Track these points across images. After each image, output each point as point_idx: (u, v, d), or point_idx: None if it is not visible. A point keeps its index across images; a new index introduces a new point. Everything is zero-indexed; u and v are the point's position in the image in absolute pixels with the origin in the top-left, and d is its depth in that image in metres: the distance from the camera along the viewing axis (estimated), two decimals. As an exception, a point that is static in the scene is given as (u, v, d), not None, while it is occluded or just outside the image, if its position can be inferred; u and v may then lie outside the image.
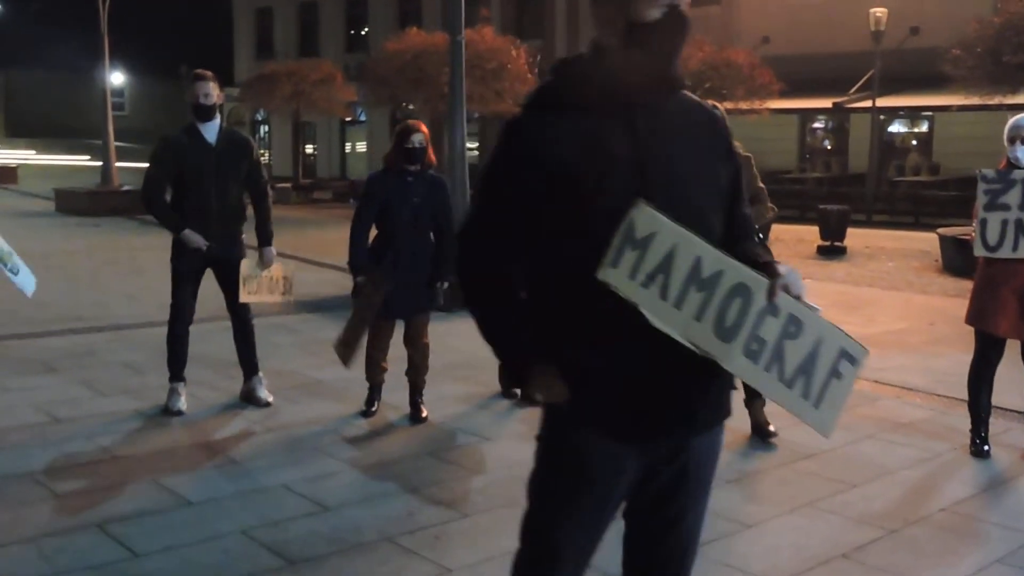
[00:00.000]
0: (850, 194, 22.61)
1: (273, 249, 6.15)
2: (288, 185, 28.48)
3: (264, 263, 6.09)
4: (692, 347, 1.98)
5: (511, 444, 5.60)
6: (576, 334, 2.12)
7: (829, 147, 28.83)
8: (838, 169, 27.36)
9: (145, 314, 9.35)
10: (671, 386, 2.12)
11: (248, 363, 6.27)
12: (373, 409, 6.03)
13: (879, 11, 20.77)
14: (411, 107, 30.10)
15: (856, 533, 4.37)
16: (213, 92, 5.82)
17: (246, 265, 6.05)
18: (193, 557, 4.01)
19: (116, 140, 24.26)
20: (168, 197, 5.93)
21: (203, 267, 6.02)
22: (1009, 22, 13.13)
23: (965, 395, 5.60)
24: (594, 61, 2.16)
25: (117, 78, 40.88)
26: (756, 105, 18.37)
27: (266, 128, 41.42)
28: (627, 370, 2.09)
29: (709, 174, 2.18)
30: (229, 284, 6.09)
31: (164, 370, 7.02)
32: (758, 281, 2.00)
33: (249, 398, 6.23)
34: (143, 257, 14.07)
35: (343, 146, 38.68)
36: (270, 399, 6.19)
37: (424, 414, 5.98)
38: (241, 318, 6.21)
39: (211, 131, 5.84)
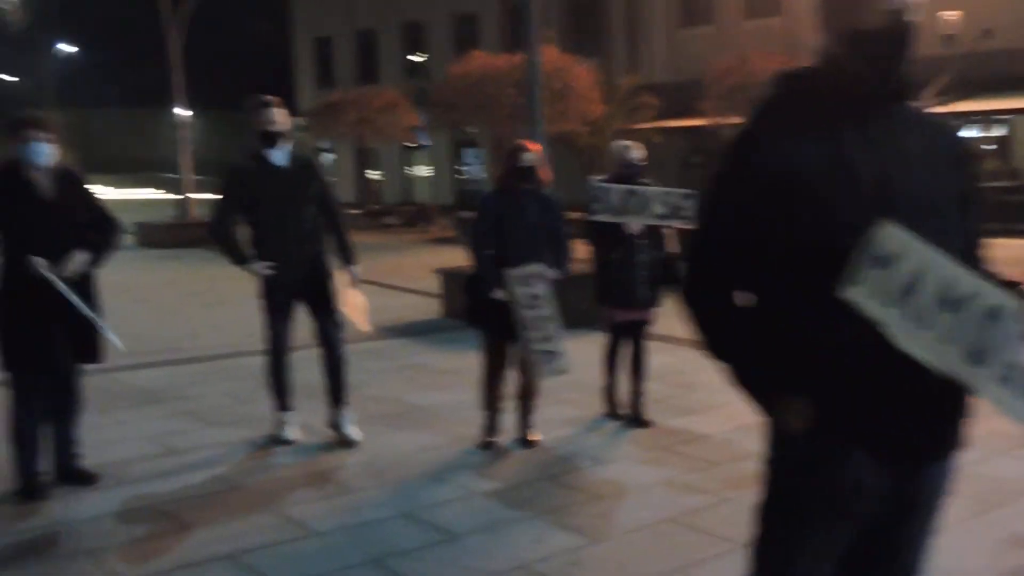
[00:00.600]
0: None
1: (358, 268, 6.03)
2: (358, 211, 28.72)
3: (351, 283, 5.99)
4: (939, 369, 1.89)
5: (626, 467, 5.51)
6: (818, 354, 2.03)
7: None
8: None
9: (234, 344, 9.44)
10: (919, 408, 2.02)
11: (335, 394, 6.04)
12: (496, 440, 5.84)
13: (951, 15, 20.38)
14: (474, 130, 30.37)
15: (1012, 555, 4.20)
16: (280, 119, 5.75)
17: (340, 277, 5.93)
18: (329, 588, 3.99)
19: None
20: (244, 228, 5.81)
21: (290, 297, 5.88)
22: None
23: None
24: (824, 72, 2.09)
25: (184, 112, 41.74)
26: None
27: (331, 156, 41.95)
28: (876, 390, 2.00)
29: (945, 185, 2.09)
30: (318, 309, 5.91)
31: (265, 398, 7.08)
32: (1013, 303, 1.89)
33: (336, 436, 5.99)
34: (224, 287, 14.23)
35: (402, 170, 39.01)
36: (356, 437, 5.94)
37: (535, 437, 5.91)
38: (332, 348, 5.99)
39: (280, 157, 5.74)
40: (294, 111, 42.12)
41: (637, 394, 6.44)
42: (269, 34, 48.50)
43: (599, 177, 6.38)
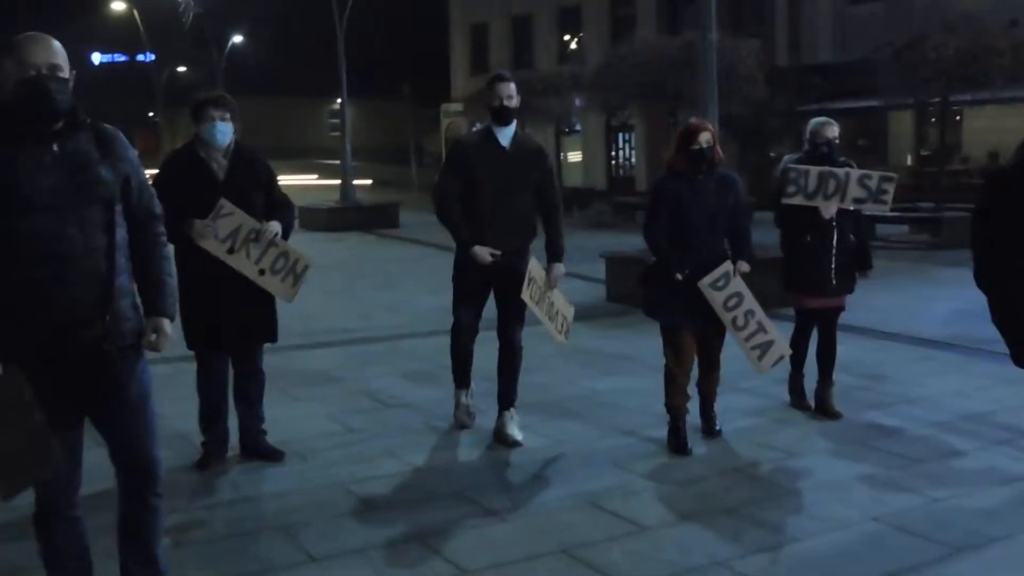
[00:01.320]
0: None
1: (563, 267, 5.62)
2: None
3: (551, 281, 5.54)
4: None
5: (819, 462, 5.23)
6: None
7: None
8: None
9: (407, 325, 9.52)
10: None
11: (506, 395, 5.68)
12: (685, 444, 5.38)
13: None
14: (628, 114, 29.96)
15: None
16: (516, 94, 5.41)
17: (535, 266, 5.49)
18: (520, 575, 3.89)
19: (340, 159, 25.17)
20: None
21: (486, 284, 5.56)
22: None
23: None
24: None
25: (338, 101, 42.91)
26: (1017, 93, 16.95)
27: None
28: None
29: None
30: (508, 302, 5.52)
31: (441, 381, 7.06)
32: None
33: (499, 436, 5.59)
34: (392, 269, 14.49)
35: (558, 155, 38.91)
36: (520, 438, 5.54)
37: (718, 427, 5.67)
38: (511, 343, 5.64)
39: (506, 136, 5.41)
40: (448, 97, 42.80)
41: (826, 385, 6.11)
42: (425, 22, 49.11)
43: (793, 156, 6.06)
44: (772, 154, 27.70)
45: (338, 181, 25.10)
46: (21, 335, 2.96)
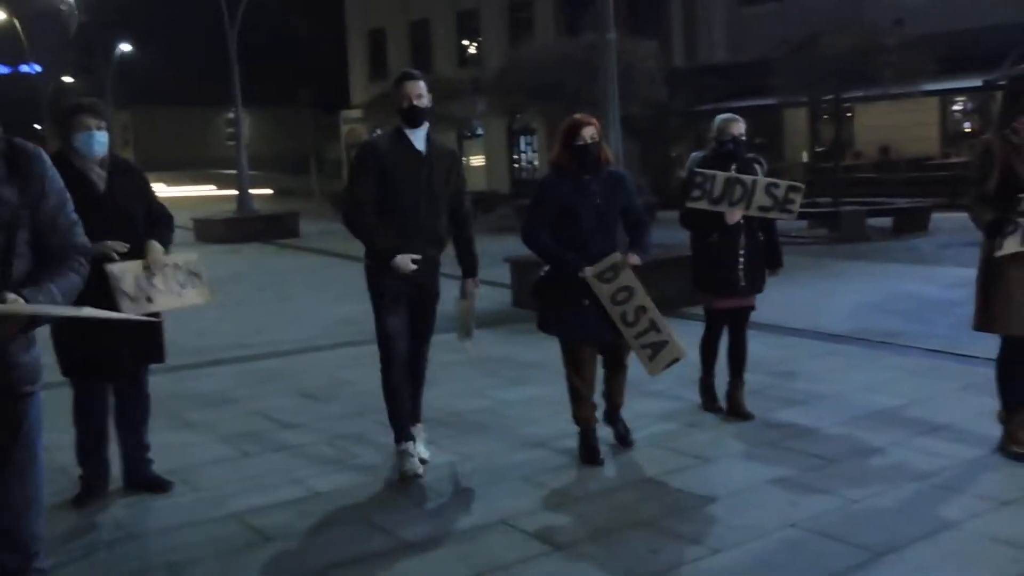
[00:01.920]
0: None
1: (477, 283, 5.30)
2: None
3: (465, 297, 5.26)
4: None
5: (733, 466, 5.11)
6: None
7: (972, 129, 27.32)
8: (985, 152, 25.79)
9: (309, 339, 9.17)
10: None
11: (412, 411, 5.31)
12: (601, 457, 5.21)
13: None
14: (529, 117, 29.89)
15: None
16: (425, 93, 4.94)
17: (464, 307, 5.23)
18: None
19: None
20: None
21: (404, 296, 5.04)
22: None
23: None
24: None
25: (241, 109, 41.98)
26: (907, 89, 17.38)
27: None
28: None
29: None
30: (421, 318, 5.14)
31: (342, 399, 6.77)
32: None
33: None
34: (292, 280, 14.07)
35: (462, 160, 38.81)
36: (427, 456, 5.23)
37: (631, 436, 5.49)
38: (419, 363, 5.29)
39: (420, 139, 4.95)
40: (347, 103, 42.22)
41: (737, 386, 6.01)
42: (321, 28, 48.39)
43: (700, 154, 5.94)
44: (673, 154, 28.02)
45: (237, 192, 24.42)
46: None
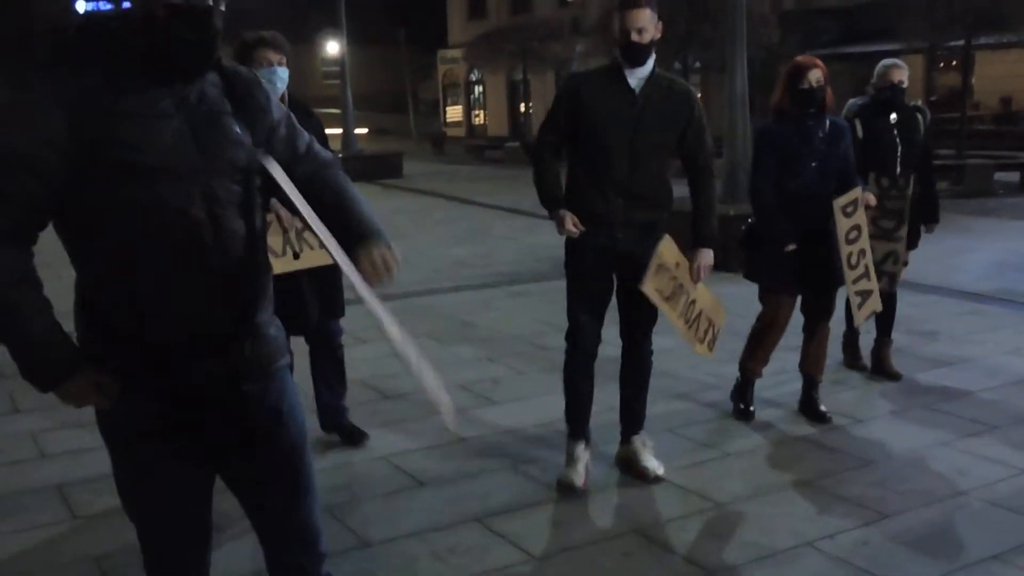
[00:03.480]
0: None
1: (711, 254, 4.19)
2: (516, 144, 28.27)
3: (695, 272, 4.15)
4: None
5: (889, 427, 4.94)
6: None
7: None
8: None
9: (424, 280, 9.17)
10: None
11: (634, 414, 4.44)
12: (752, 408, 5.08)
13: None
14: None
15: None
16: (650, 24, 3.91)
17: (668, 247, 4.04)
18: (588, 557, 3.58)
19: (337, 108, 24.54)
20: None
21: (609, 269, 4.15)
22: None
23: None
24: None
25: (333, 47, 42.09)
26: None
27: (480, 88, 41.61)
28: None
29: None
30: (634, 302, 4.15)
31: (470, 340, 6.75)
32: None
33: (632, 469, 4.37)
34: (400, 221, 14.09)
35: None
36: (661, 472, 4.33)
37: (827, 411, 5.07)
38: (638, 353, 4.33)
39: (638, 78, 3.98)
40: (445, 43, 42.00)
41: (884, 343, 5.80)
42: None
43: (858, 100, 5.66)
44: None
45: (337, 131, 24.57)
46: (126, 361, 2.13)
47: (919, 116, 5.54)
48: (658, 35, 3.94)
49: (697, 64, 25.22)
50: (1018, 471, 4.31)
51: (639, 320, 4.23)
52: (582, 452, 4.26)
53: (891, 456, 4.53)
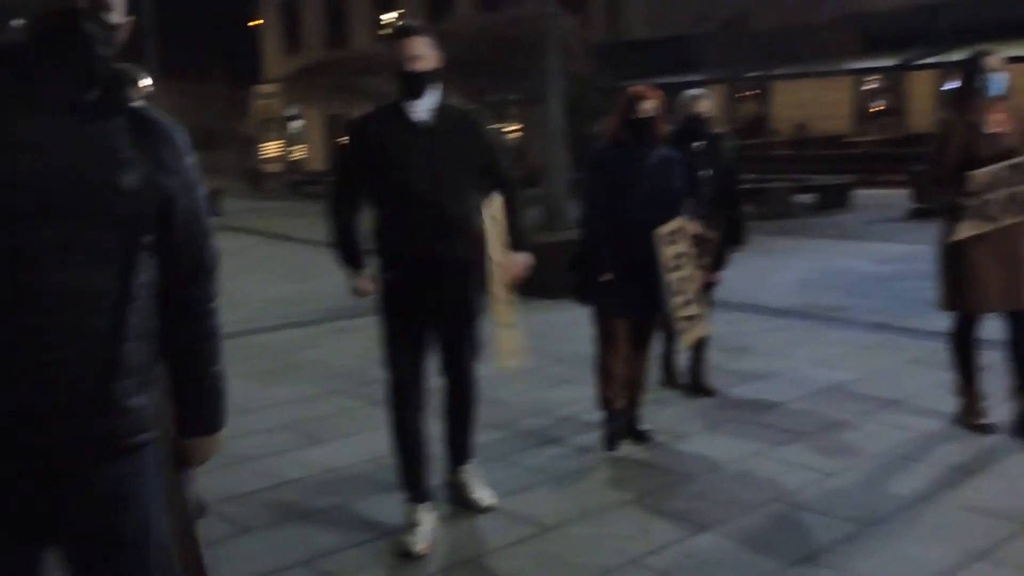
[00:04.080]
0: (913, 155, 21.88)
1: (524, 256, 4.16)
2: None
3: (507, 273, 4.10)
4: None
5: (706, 441, 5.12)
6: None
7: (879, 108, 28.09)
8: (897, 130, 26.59)
9: (248, 320, 8.94)
10: None
11: (461, 445, 4.33)
12: (619, 445, 5.00)
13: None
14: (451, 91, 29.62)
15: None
16: (428, 52, 3.80)
17: (500, 276, 4.02)
18: None
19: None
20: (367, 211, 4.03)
21: (425, 311, 3.98)
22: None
23: None
24: None
25: (143, 82, 40.63)
26: (830, 67, 17.74)
27: (299, 123, 41.10)
28: None
29: None
30: (454, 327, 4.05)
31: (296, 379, 6.62)
32: None
33: (467, 500, 4.30)
34: (230, 261, 13.64)
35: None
36: (494, 501, 4.31)
37: (649, 429, 5.21)
38: (464, 382, 4.18)
39: (425, 111, 3.83)
40: (260, 78, 41.31)
41: (698, 360, 6.03)
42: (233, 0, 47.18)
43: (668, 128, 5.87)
44: (595, 129, 28.09)
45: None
46: None
47: (723, 144, 5.82)
48: (439, 64, 3.84)
49: (514, 96, 25.72)
50: (824, 475, 4.56)
51: (461, 353, 4.11)
52: (423, 515, 3.98)
53: (710, 469, 4.71)
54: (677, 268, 4.86)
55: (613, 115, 4.96)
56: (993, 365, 5.22)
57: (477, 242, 3.99)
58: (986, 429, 5.04)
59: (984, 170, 4.75)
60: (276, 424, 5.67)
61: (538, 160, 9.72)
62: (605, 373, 4.99)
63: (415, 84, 3.81)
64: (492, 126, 4.10)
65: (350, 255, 3.99)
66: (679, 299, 4.89)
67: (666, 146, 4.96)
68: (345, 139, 4.01)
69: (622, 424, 5.03)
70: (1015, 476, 4.50)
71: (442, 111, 3.88)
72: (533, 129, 22.84)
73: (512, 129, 30.12)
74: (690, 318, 4.98)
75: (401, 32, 3.85)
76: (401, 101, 3.86)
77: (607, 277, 4.79)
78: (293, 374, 6.90)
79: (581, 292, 5.02)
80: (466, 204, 3.95)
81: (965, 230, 4.84)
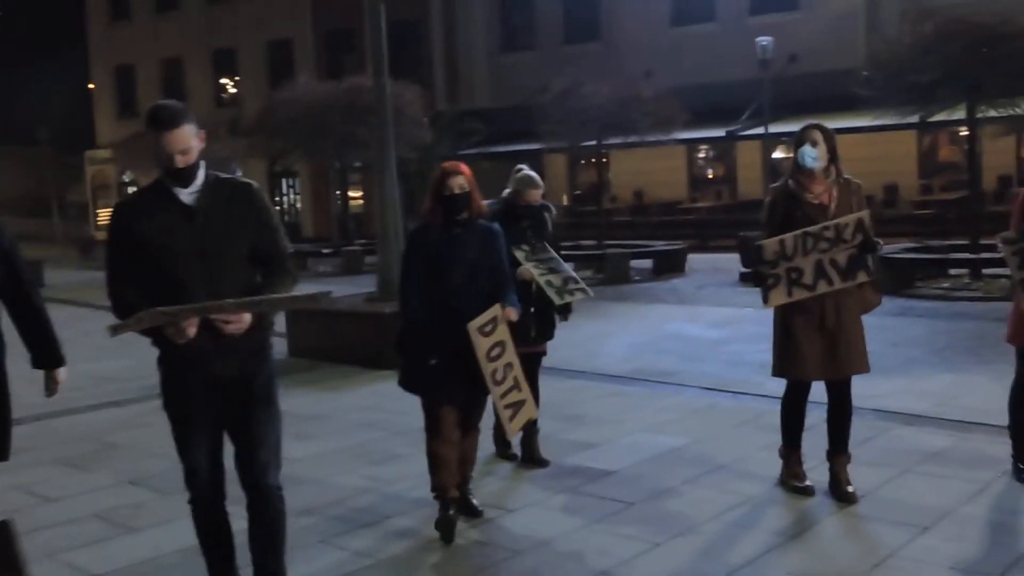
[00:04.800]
0: (743, 220, 22.88)
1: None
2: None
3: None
4: None
5: (536, 515, 5.06)
6: None
7: (712, 176, 29.37)
8: (729, 197, 27.81)
9: (61, 400, 8.38)
10: None
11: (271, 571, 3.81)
12: (454, 535, 4.72)
13: (765, 39, 21.18)
14: (291, 158, 29.36)
15: (966, 584, 3.99)
16: (193, 143, 3.46)
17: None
18: None
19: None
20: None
21: (215, 403, 3.65)
22: (919, 43, 13.36)
23: (978, 419, 5.39)
24: None
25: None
26: (661, 137, 18.40)
27: (132, 190, 39.76)
28: None
29: None
30: (244, 431, 3.69)
31: (108, 465, 6.26)
32: None
33: None
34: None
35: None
36: None
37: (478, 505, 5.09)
38: (264, 497, 3.72)
39: (192, 192, 3.52)
40: (93, 143, 39.85)
41: (531, 432, 5.99)
42: (61, 64, 45.61)
43: (489, 202, 5.86)
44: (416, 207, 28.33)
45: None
46: None
47: (546, 214, 5.87)
48: (203, 145, 3.50)
49: (358, 164, 25.66)
50: (652, 544, 4.55)
51: (259, 451, 3.66)
52: None
53: (540, 544, 4.63)
54: (497, 358, 4.69)
55: (428, 193, 4.83)
56: (817, 426, 5.37)
57: (259, 324, 3.58)
58: (805, 491, 5.17)
59: (774, 239, 4.92)
60: (88, 514, 5.30)
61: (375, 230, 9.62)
62: (436, 460, 4.79)
63: (186, 177, 3.48)
64: (264, 198, 3.72)
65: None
66: (501, 388, 4.74)
67: (484, 220, 4.86)
68: (112, 227, 3.58)
69: (456, 515, 4.83)
70: (831, 539, 4.61)
71: (213, 187, 3.55)
72: (375, 197, 22.81)
73: (354, 196, 30.01)
74: (515, 404, 4.82)
75: (162, 122, 3.39)
76: (168, 184, 3.51)
77: (432, 362, 4.64)
78: (109, 457, 6.49)
79: (406, 380, 4.86)
80: (250, 282, 3.61)
81: (775, 298, 4.98)
